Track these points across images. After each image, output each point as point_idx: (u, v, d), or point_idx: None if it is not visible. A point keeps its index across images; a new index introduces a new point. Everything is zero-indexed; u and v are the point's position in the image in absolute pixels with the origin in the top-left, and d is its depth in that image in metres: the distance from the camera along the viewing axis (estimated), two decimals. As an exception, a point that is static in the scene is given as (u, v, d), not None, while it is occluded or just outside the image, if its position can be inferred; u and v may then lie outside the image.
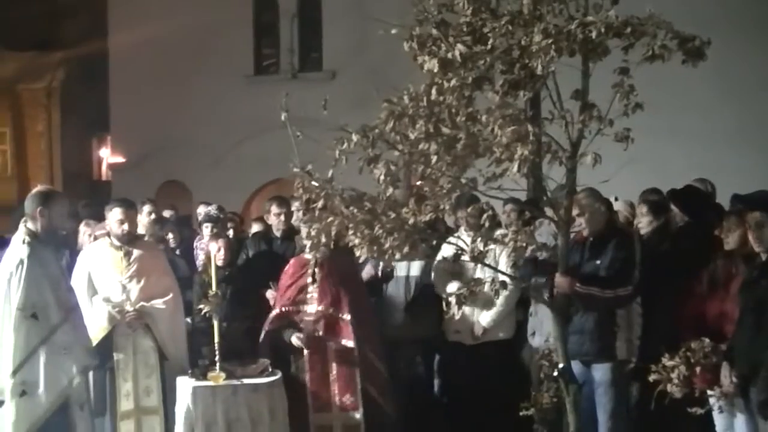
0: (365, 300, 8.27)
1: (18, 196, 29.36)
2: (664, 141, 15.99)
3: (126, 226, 8.19)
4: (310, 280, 8.10)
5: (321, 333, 7.99)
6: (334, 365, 8.00)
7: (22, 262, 6.63)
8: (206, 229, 9.67)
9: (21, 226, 6.92)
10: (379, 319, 8.41)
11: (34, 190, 7.12)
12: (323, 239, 5.55)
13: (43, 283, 6.67)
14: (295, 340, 7.98)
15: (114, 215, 8.21)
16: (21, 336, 6.57)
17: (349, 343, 7.92)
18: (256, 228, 10.65)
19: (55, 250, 7.13)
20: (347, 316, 7.94)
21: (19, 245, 6.75)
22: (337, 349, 7.97)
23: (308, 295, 8.09)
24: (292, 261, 8.36)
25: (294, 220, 9.67)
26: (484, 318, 8.47)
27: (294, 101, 5.58)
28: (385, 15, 5.53)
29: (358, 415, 7.94)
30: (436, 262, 8.52)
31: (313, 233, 5.53)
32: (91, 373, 7.37)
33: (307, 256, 8.12)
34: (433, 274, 8.62)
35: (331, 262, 8.03)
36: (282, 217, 9.64)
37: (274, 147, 13.70)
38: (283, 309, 8.13)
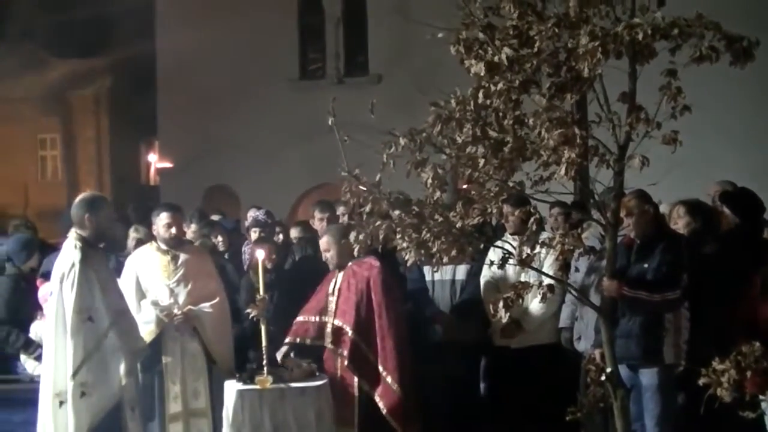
0: (390, 315, 7.92)
1: (68, 201, 29.76)
2: (711, 143, 15.84)
3: (173, 230, 8.26)
4: (331, 289, 8.13)
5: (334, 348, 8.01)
6: (338, 377, 7.98)
7: (74, 265, 6.78)
8: (254, 234, 9.71)
9: (71, 232, 7.05)
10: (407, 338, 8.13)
11: (79, 198, 7.28)
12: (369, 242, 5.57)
13: (95, 287, 6.82)
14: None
15: (161, 220, 8.28)
16: (79, 339, 6.73)
17: (344, 352, 7.90)
18: (295, 232, 10.65)
19: (104, 255, 7.25)
20: (349, 330, 7.88)
21: (71, 250, 6.88)
22: (342, 361, 7.95)
23: (328, 307, 8.09)
24: None
25: (339, 225, 9.68)
26: (533, 309, 8.36)
27: (340, 105, 5.61)
28: (430, 18, 5.54)
29: (352, 431, 7.94)
30: (483, 277, 8.50)
31: (360, 237, 5.55)
32: (140, 376, 7.49)
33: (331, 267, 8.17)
34: (482, 288, 8.57)
35: (351, 273, 8.02)
36: (325, 223, 9.65)
37: (320, 151, 13.77)
38: (304, 318, 8.15)
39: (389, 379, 7.77)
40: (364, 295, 7.88)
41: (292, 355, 8.06)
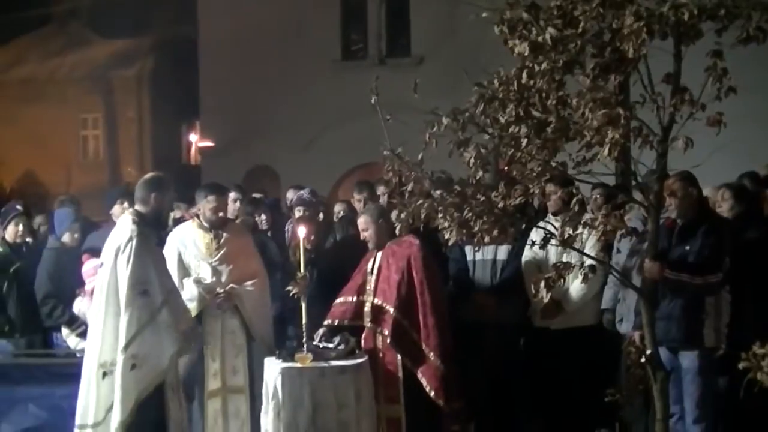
0: (431, 292, 7.90)
1: (110, 181, 30.05)
2: (755, 126, 15.68)
3: (221, 214, 8.35)
4: (369, 268, 8.14)
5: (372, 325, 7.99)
6: (380, 357, 7.97)
7: (131, 239, 6.81)
8: (298, 212, 9.75)
9: (124, 208, 7.12)
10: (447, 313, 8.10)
11: (149, 176, 7.38)
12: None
13: (149, 262, 6.87)
14: None
15: (209, 203, 8.30)
16: (134, 312, 6.75)
17: (385, 331, 7.88)
18: (338, 209, 10.71)
19: (155, 234, 7.33)
20: (390, 309, 7.86)
21: (128, 224, 6.92)
22: (383, 340, 7.92)
23: (367, 286, 8.09)
24: None
25: (380, 204, 9.69)
26: (574, 290, 8.34)
27: (382, 86, 5.63)
28: (473, -2, 5.54)
29: (399, 408, 7.92)
30: (524, 257, 8.48)
31: (402, 216, 5.58)
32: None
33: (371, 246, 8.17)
34: (523, 268, 8.55)
35: (390, 252, 8.00)
36: (362, 204, 9.66)
37: (362, 132, 13.80)
38: (343, 299, 8.15)
39: (432, 356, 7.75)
40: (404, 273, 7.86)
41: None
